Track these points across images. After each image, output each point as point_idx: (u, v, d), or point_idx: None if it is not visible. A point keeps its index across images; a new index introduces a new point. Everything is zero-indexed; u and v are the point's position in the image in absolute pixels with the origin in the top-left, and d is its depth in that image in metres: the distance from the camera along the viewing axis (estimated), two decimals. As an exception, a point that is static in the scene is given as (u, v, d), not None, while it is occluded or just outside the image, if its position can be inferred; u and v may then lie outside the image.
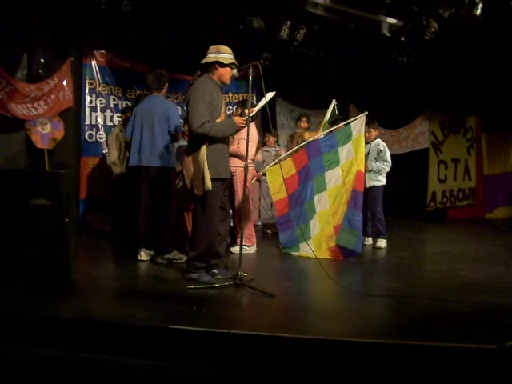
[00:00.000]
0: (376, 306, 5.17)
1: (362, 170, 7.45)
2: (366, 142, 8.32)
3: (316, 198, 7.59)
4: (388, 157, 8.30)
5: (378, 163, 8.25)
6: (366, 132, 8.11)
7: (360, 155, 7.44)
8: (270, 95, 5.74)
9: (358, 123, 7.54)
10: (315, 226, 7.51)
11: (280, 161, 7.52)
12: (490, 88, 11.63)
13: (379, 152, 8.28)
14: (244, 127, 5.61)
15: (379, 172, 8.26)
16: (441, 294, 5.51)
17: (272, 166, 7.79)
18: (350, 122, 7.72)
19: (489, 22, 8.37)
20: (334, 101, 8.25)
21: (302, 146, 7.89)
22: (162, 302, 4.94)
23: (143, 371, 3.94)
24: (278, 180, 7.63)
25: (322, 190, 7.57)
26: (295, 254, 7.48)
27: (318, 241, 7.41)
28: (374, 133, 8.39)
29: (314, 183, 7.61)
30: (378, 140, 8.45)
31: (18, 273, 5.03)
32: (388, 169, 8.29)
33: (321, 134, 7.89)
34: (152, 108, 6.77)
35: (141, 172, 6.78)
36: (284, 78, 10.81)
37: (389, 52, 10.14)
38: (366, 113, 7.61)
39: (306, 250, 7.24)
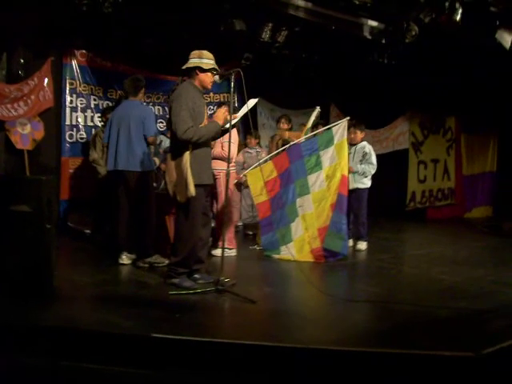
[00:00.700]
0: (357, 312, 5.22)
1: (346, 174, 7.56)
2: (352, 144, 8.42)
3: (298, 201, 7.63)
4: (374, 160, 8.37)
5: (363, 165, 8.32)
6: (351, 133, 8.24)
7: (343, 160, 7.53)
8: (252, 102, 5.78)
9: (340, 128, 7.61)
10: (298, 228, 7.57)
11: (261, 164, 7.56)
12: (468, 89, 11.76)
13: (365, 154, 8.35)
14: (225, 123, 5.69)
15: (364, 174, 8.31)
16: (421, 299, 5.59)
17: (253, 169, 7.83)
18: (331, 127, 7.77)
19: (468, 25, 8.46)
20: (318, 108, 8.28)
21: (283, 150, 7.93)
22: (144, 308, 4.97)
23: (127, 380, 3.97)
24: (259, 183, 7.66)
25: (305, 194, 7.62)
26: (276, 256, 7.54)
27: (300, 243, 7.48)
28: (359, 135, 8.44)
29: (296, 186, 7.65)
30: (365, 143, 8.51)
31: (-1, 280, 5.04)
32: (373, 171, 8.36)
33: (302, 138, 7.94)
34: (128, 112, 6.81)
35: (118, 176, 6.81)
36: (265, 78, 10.85)
37: (370, 54, 10.18)
38: (348, 118, 7.69)
39: (286, 252, 7.33)
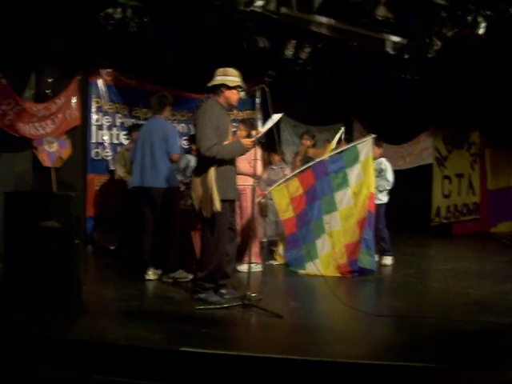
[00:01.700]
0: (384, 327, 5.22)
1: (373, 190, 7.62)
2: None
3: (326, 218, 7.66)
4: (389, 176, 8.35)
5: (378, 178, 8.29)
6: None
7: (370, 177, 7.58)
8: (276, 117, 5.82)
9: (366, 145, 7.64)
10: (324, 245, 7.59)
11: (286, 181, 7.59)
12: (492, 103, 11.70)
13: (380, 171, 8.32)
14: (251, 148, 5.71)
15: (379, 189, 8.27)
16: (447, 313, 5.56)
17: (278, 185, 7.86)
18: (356, 144, 7.80)
19: (491, 38, 8.46)
20: (343, 128, 8.33)
21: (308, 167, 7.94)
22: (171, 323, 5.00)
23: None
24: (284, 200, 7.75)
25: (332, 211, 7.64)
26: (302, 272, 7.54)
27: (326, 259, 7.50)
28: (377, 151, 8.41)
29: (323, 204, 7.69)
30: (382, 159, 8.49)
31: (29, 294, 5.10)
32: (388, 187, 8.35)
33: (326, 155, 7.96)
34: (152, 130, 6.93)
35: (143, 193, 6.90)
36: (288, 95, 10.89)
37: (392, 69, 10.20)
38: (373, 136, 7.70)
39: (312, 268, 7.31)
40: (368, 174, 7.58)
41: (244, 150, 5.73)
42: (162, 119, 7.06)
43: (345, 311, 5.65)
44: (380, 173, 8.32)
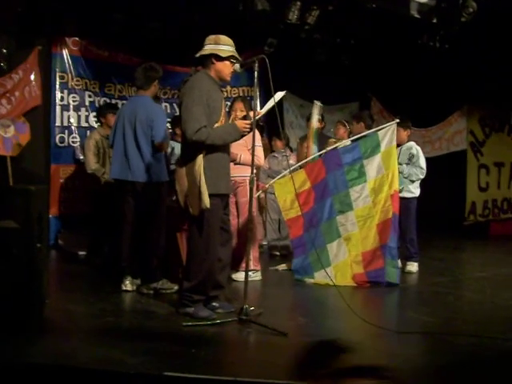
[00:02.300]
0: (409, 346, 5.20)
1: (397, 188, 7.58)
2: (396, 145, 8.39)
3: (340, 219, 7.66)
4: (422, 163, 8.35)
5: (408, 167, 8.28)
6: None
7: (392, 171, 7.54)
8: (279, 95, 5.79)
9: (388, 132, 7.61)
10: (340, 250, 7.59)
11: (291, 171, 7.52)
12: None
13: (411, 157, 8.32)
14: (248, 133, 5.68)
15: (409, 178, 8.27)
16: (485, 329, 5.55)
17: (281, 177, 7.83)
18: (377, 131, 7.78)
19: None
20: (318, 103, 8.36)
21: (318, 156, 7.93)
22: (153, 343, 4.97)
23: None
24: (289, 195, 7.67)
25: (347, 210, 7.64)
26: (310, 281, 7.54)
27: (342, 268, 7.50)
28: (403, 134, 8.39)
29: (335, 201, 7.67)
30: (411, 143, 8.51)
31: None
32: (421, 176, 8.34)
33: (347, 141, 7.94)
34: (135, 111, 6.79)
35: (125, 187, 6.85)
36: (293, 68, 10.91)
37: (418, 36, 10.19)
38: (397, 120, 7.68)
39: (323, 277, 7.28)
40: (391, 168, 7.54)
41: (239, 135, 5.68)
42: (147, 98, 6.93)
43: (362, 328, 5.62)
44: (410, 159, 8.32)
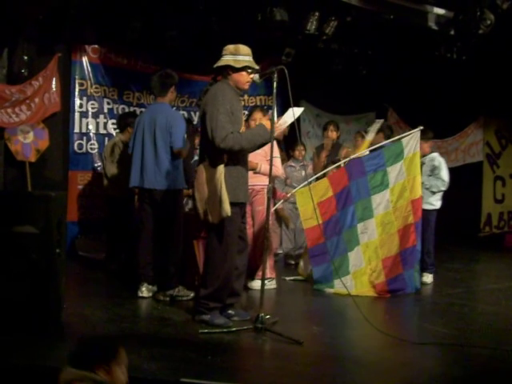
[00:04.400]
0: (423, 357, 5.21)
1: (419, 195, 7.60)
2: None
3: (360, 226, 7.66)
4: (444, 175, 8.33)
5: (430, 178, 8.26)
6: None
7: (414, 177, 7.57)
8: (297, 112, 5.82)
9: (412, 139, 7.64)
10: (358, 258, 7.59)
11: (310, 182, 7.51)
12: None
13: (434, 168, 8.30)
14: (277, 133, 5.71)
15: (431, 189, 8.26)
16: (500, 341, 5.55)
17: (302, 187, 7.83)
18: (401, 138, 7.79)
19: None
20: (382, 121, 8.38)
21: (344, 163, 7.94)
22: (170, 349, 5.02)
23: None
24: (309, 204, 7.57)
25: (368, 218, 7.65)
26: (330, 290, 7.53)
27: (360, 277, 7.50)
28: (425, 145, 8.34)
29: (357, 209, 7.67)
30: (435, 154, 8.52)
31: (-1, 314, 5.12)
32: (443, 188, 8.34)
33: (366, 151, 7.95)
34: (154, 118, 6.83)
35: (143, 194, 6.90)
36: (310, 78, 10.93)
37: (436, 48, 10.19)
38: (421, 127, 7.69)
39: (341, 286, 7.12)
40: (413, 174, 7.58)
41: (267, 135, 5.61)
42: (166, 105, 6.99)
43: (377, 338, 5.63)
44: (433, 171, 8.30)
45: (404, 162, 7.61)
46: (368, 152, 7.97)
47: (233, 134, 5.44)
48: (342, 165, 8.00)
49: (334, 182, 7.75)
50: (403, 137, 7.79)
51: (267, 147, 5.87)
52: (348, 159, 7.94)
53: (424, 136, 8.21)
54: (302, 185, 7.98)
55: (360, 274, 7.52)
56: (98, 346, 3.12)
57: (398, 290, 7.42)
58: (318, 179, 8.11)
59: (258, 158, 7.17)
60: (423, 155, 8.32)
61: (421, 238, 7.61)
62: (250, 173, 7.03)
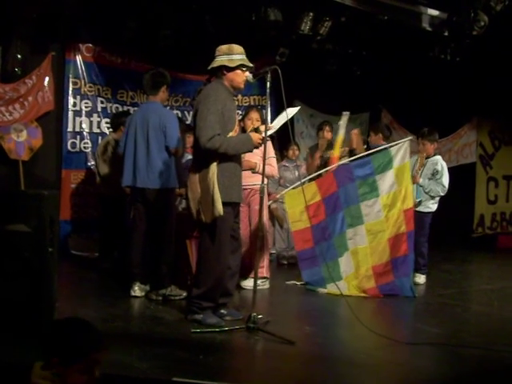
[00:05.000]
0: (416, 357, 5.21)
1: (411, 205, 7.64)
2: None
3: (349, 232, 7.68)
4: (445, 180, 8.32)
5: (430, 182, 8.26)
6: (419, 144, 8.23)
7: (406, 187, 7.59)
8: (292, 112, 5.83)
9: (402, 149, 7.64)
10: (348, 264, 7.61)
11: (303, 183, 7.53)
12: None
13: (435, 172, 8.31)
14: (260, 145, 5.72)
15: (430, 193, 8.26)
16: (492, 342, 5.56)
17: (292, 189, 7.85)
18: (390, 147, 7.81)
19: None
20: (349, 113, 8.40)
21: (329, 170, 7.96)
22: (162, 348, 5.01)
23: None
24: (298, 207, 7.65)
25: (357, 224, 7.66)
26: (323, 290, 7.53)
27: (351, 281, 7.51)
28: (429, 147, 8.33)
29: (346, 215, 7.68)
30: (438, 157, 8.50)
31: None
32: (442, 194, 8.34)
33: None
34: (146, 117, 6.82)
35: (136, 194, 6.89)
36: (304, 78, 10.93)
37: (429, 49, 10.22)
38: (411, 138, 7.74)
39: (335, 288, 7.17)
40: (403, 184, 7.59)
41: (252, 147, 5.71)
42: (158, 104, 6.98)
43: (369, 338, 5.62)
44: (434, 175, 8.28)
45: (394, 171, 7.63)
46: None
47: (220, 136, 5.45)
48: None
49: (323, 186, 7.75)
50: (393, 145, 7.81)
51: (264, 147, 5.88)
52: (336, 165, 7.96)
53: (430, 137, 8.25)
54: (290, 187, 7.99)
55: (351, 278, 7.54)
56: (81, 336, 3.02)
57: (391, 295, 7.42)
58: (311, 180, 8.11)
59: (256, 157, 7.18)
60: (426, 157, 8.32)
61: (413, 245, 7.61)
62: (248, 172, 7.11)
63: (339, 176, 7.76)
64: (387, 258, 7.51)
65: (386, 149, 7.82)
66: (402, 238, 7.55)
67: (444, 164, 8.47)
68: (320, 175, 8.11)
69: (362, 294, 7.38)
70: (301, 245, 7.79)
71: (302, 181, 7.47)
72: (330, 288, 7.43)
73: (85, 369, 2.92)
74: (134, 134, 6.83)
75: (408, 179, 7.62)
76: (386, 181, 7.65)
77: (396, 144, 7.78)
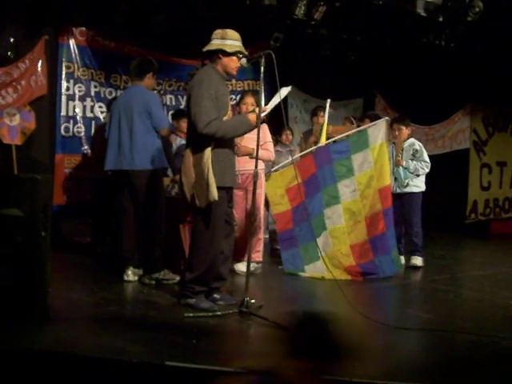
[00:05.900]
0: (407, 342, 5.26)
1: (388, 183, 7.71)
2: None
3: (327, 211, 7.74)
4: (426, 157, 8.46)
5: (414, 162, 8.34)
6: (395, 130, 8.31)
7: (381, 166, 7.67)
8: (285, 91, 5.82)
9: (377, 129, 7.75)
10: (326, 244, 7.66)
11: (284, 166, 7.61)
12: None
13: (415, 152, 8.43)
14: (254, 128, 5.72)
15: (416, 173, 8.33)
16: (484, 327, 5.59)
17: (271, 173, 7.87)
18: (366, 128, 7.91)
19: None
20: (329, 100, 8.41)
21: (309, 153, 8.00)
22: (155, 332, 5.02)
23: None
24: (278, 190, 7.77)
25: (334, 204, 7.74)
26: (304, 275, 7.58)
27: (330, 260, 7.50)
28: (405, 131, 8.47)
29: (324, 195, 7.75)
30: (412, 139, 8.63)
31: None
32: (427, 170, 8.43)
33: (343, 136, 8.01)
34: (130, 100, 6.83)
35: (121, 177, 6.88)
36: (298, 63, 10.92)
37: (424, 34, 10.20)
38: (387, 118, 7.91)
39: (315, 270, 7.42)
40: (381, 163, 7.67)
41: (250, 128, 5.72)
42: (141, 87, 6.94)
43: (362, 323, 5.64)
44: (414, 155, 8.40)
45: (371, 151, 7.70)
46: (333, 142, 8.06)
47: (216, 121, 5.44)
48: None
49: (303, 169, 7.78)
50: (369, 126, 7.91)
51: (261, 132, 5.88)
52: (316, 147, 8.02)
53: (404, 121, 8.37)
54: (273, 169, 8.03)
55: (330, 257, 7.54)
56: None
57: (370, 274, 7.49)
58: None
59: (253, 143, 7.13)
60: (402, 141, 8.43)
61: (393, 223, 7.67)
62: (245, 158, 7.10)
63: (318, 158, 7.83)
64: (364, 237, 7.59)
65: (363, 130, 7.91)
66: (378, 217, 7.62)
67: (420, 144, 8.65)
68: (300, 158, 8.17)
69: (343, 275, 7.41)
70: (281, 226, 7.88)
71: (282, 164, 7.51)
72: (308, 270, 7.55)
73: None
74: (118, 118, 6.83)
75: (384, 158, 7.69)
76: (361, 160, 7.73)
77: (373, 124, 7.88)
